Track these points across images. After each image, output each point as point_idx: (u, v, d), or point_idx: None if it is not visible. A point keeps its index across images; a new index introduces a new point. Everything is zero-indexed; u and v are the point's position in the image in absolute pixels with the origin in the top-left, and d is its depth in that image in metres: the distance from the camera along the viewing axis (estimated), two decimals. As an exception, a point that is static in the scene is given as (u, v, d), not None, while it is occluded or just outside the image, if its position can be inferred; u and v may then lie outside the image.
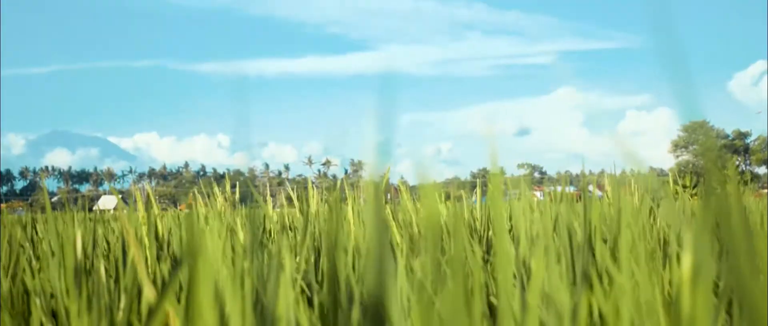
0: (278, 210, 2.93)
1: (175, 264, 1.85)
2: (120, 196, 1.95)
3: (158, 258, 1.90)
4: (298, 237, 2.00)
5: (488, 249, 2.35)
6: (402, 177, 3.47)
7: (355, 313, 0.92)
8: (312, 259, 1.91)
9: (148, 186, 2.42)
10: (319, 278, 1.91)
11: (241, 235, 2.27)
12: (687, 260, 0.58)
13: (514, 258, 1.11)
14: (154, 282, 1.73)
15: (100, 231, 2.47)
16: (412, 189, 3.08)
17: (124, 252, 1.51)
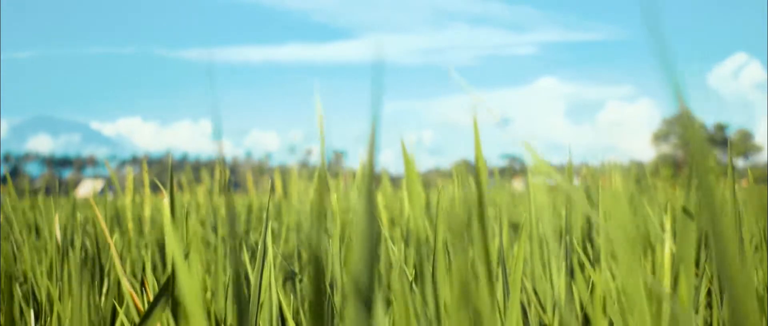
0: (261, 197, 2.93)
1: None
2: (103, 181, 1.95)
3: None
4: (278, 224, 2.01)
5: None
6: (383, 167, 3.46)
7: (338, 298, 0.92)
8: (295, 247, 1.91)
9: (130, 171, 2.41)
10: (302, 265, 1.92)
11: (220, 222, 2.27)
12: (668, 248, 0.58)
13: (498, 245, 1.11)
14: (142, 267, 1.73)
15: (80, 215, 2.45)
16: (394, 180, 3.08)
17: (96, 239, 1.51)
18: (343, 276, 0.94)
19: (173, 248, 0.53)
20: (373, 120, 0.46)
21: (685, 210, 0.58)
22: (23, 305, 1.43)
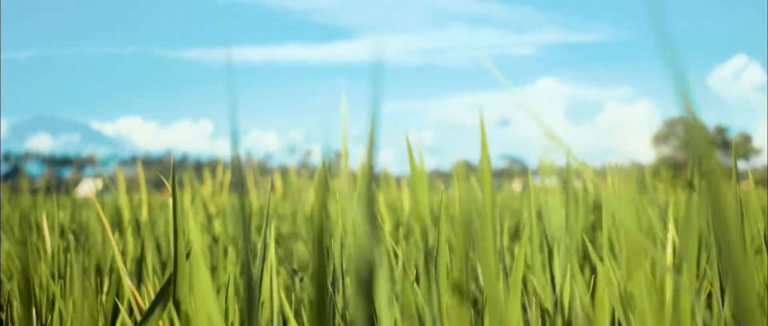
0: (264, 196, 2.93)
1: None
2: (103, 181, 1.95)
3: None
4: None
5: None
6: (383, 167, 3.46)
7: (341, 300, 0.92)
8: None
9: (119, 172, 2.40)
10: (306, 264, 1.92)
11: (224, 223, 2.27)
12: (670, 249, 0.58)
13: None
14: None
15: (80, 214, 2.46)
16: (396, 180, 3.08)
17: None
18: (343, 275, 0.94)
19: (195, 246, 0.53)
20: (372, 118, 0.46)
21: (691, 194, 0.58)
22: (18, 305, 1.43)
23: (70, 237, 1.58)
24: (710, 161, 0.35)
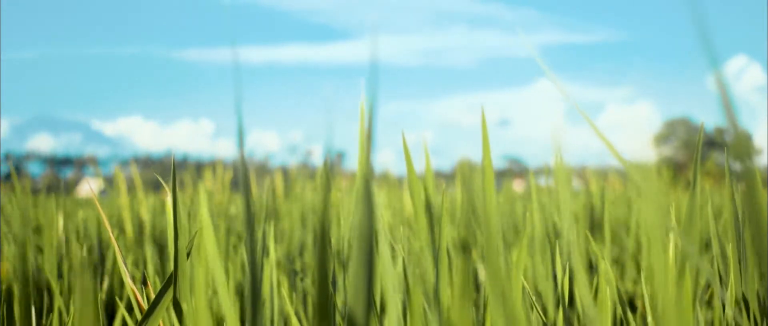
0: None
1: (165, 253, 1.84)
2: (104, 181, 1.95)
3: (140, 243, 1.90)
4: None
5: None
6: (386, 168, 3.46)
7: (341, 297, 0.92)
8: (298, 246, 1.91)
9: (118, 173, 2.39)
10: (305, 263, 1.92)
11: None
12: (672, 247, 0.58)
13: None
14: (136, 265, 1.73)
15: (81, 214, 2.46)
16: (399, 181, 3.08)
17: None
18: (344, 276, 0.94)
19: (207, 245, 0.53)
20: (369, 113, 0.46)
21: (693, 194, 0.58)
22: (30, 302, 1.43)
23: (71, 236, 1.58)
24: (750, 167, 0.36)
